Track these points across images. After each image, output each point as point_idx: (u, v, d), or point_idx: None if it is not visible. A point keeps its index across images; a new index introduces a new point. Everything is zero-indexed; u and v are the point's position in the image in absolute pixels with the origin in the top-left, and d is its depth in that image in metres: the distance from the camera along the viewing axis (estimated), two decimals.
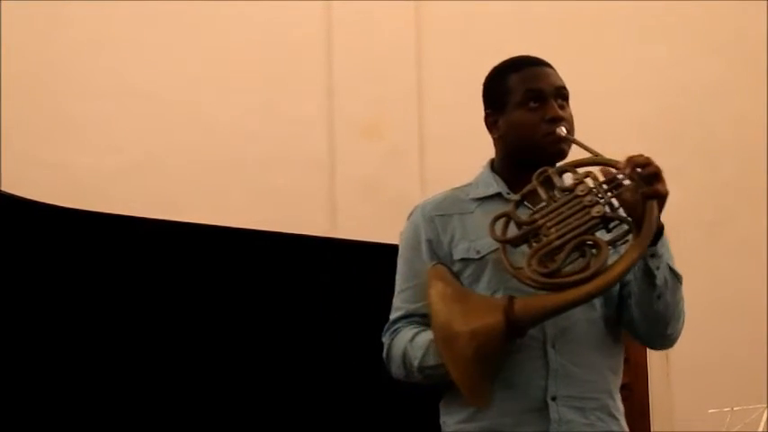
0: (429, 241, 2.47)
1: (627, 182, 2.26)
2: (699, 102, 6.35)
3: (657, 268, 2.35)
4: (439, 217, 2.48)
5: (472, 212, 2.47)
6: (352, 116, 6.24)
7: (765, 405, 5.30)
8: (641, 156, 2.27)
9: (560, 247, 2.26)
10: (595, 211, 2.25)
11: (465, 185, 2.54)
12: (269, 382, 3.87)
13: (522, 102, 2.43)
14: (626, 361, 6.69)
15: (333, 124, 6.26)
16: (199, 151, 6.15)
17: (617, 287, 2.42)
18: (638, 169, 2.25)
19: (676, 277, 2.40)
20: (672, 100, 6.34)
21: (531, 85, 2.43)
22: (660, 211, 2.30)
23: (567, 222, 2.27)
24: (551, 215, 2.29)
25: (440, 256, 2.46)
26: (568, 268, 2.25)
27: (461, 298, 2.35)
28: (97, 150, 6.07)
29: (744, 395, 5.44)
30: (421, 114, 6.30)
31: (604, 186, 2.28)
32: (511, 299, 2.29)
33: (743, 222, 6.27)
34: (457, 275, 2.42)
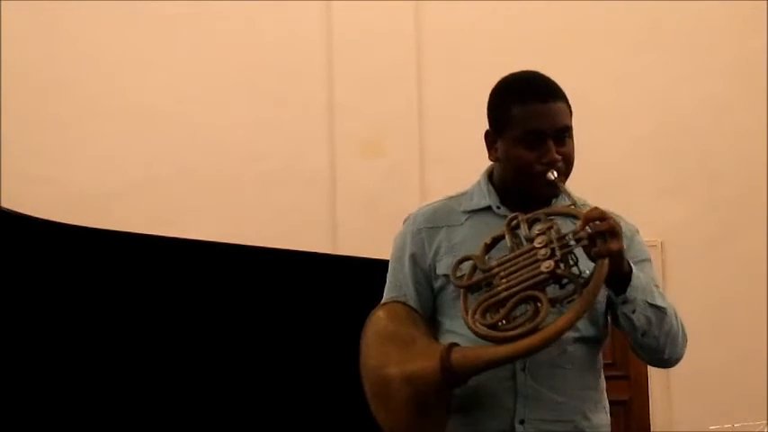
0: (413, 255, 2.47)
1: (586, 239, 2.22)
2: (699, 118, 6.35)
3: (633, 312, 2.32)
4: (427, 229, 2.48)
5: (461, 225, 2.46)
6: (353, 133, 6.25)
7: (767, 422, 5.29)
8: (596, 211, 2.24)
9: (506, 300, 2.24)
10: (545, 266, 2.22)
11: (461, 194, 2.53)
12: (269, 398, 3.86)
13: (521, 139, 2.38)
14: (627, 377, 6.67)
15: (333, 141, 6.27)
16: (200, 169, 6.16)
17: (602, 307, 2.40)
18: (593, 224, 2.22)
19: (660, 310, 2.35)
20: (672, 116, 6.34)
21: (532, 125, 2.37)
22: (617, 265, 2.25)
23: (517, 274, 2.25)
24: (506, 265, 2.27)
25: (423, 269, 2.46)
26: (516, 321, 2.22)
27: (402, 340, 2.31)
28: (97, 167, 6.09)
29: (745, 412, 5.43)
30: (421, 131, 6.30)
31: (562, 241, 2.24)
32: (451, 345, 2.27)
33: (743, 239, 6.26)
34: (417, 312, 2.40)
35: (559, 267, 2.22)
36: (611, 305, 2.39)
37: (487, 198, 2.47)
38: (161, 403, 3.70)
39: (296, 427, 3.88)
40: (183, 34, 6.28)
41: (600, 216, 2.23)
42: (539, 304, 2.21)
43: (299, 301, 3.94)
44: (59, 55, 6.17)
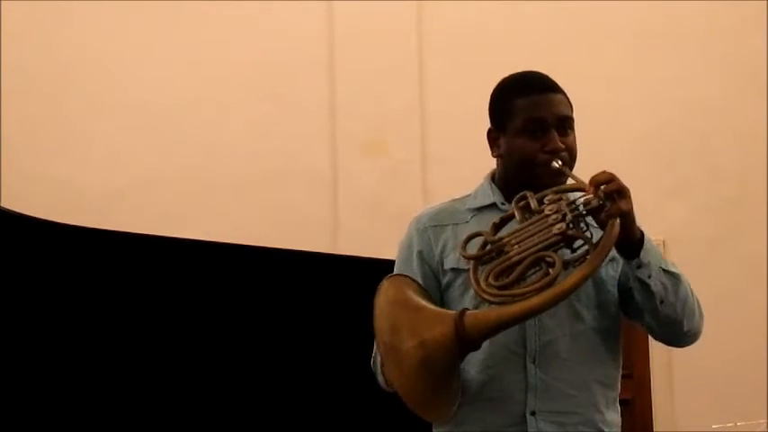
0: (420, 252, 2.50)
1: (596, 202, 2.26)
2: (699, 117, 6.35)
3: (649, 276, 2.35)
4: (432, 228, 2.51)
5: (467, 222, 2.49)
6: (355, 133, 6.25)
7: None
8: (604, 173, 2.28)
9: (518, 263, 2.26)
10: (556, 228, 2.25)
11: (465, 196, 2.57)
12: (269, 398, 3.86)
13: (523, 129, 2.42)
14: (629, 376, 6.65)
15: (335, 141, 6.27)
16: (201, 168, 6.16)
17: (613, 297, 2.43)
18: (602, 187, 2.25)
19: (674, 276, 2.40)
20: (672, 115, 6.33)
21: (534, 113, 2.42)
22: (629, 227, 2.28)
23: (529, 240, 2.27)
24: (517, 233, 2.30)
25: (431, 266, 2.48)
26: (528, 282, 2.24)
27: (412, 308, 2.32)
28: (99, 167, 6.09)
29: (748, 410, 5.43)
30: (423, 130, 6.30)
31: (572, 206, 2.27)
32: (463, 311, 2.28)
33: (744, 237, 6.26)
34: (425, 289, 2.42)
35: (571, 229, 2.25)
36: (622, 286, 2.41)
37: (492, 196, 2.51)
38: (162, 404, 3.70)
39: (297, 427, 3.88)
40: (184, 33, 6.28)
41: (608, 178, 2.26)
42: (551, 267, 2.22)
43: (299, 301, 3.94)
44: (60, 54, 6.17)
